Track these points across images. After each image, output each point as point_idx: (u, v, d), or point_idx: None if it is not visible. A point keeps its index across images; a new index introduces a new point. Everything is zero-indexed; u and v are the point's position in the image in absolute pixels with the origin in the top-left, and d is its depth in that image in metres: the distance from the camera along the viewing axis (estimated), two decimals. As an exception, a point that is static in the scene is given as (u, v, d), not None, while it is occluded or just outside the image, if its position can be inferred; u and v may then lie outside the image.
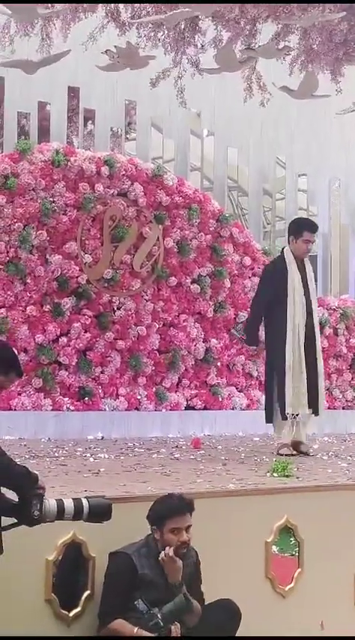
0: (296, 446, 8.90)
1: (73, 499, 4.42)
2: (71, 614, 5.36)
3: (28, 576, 5.19)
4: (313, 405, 8.92)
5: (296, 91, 9.04)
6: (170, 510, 5.34)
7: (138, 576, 5.21)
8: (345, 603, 6.56)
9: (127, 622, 5.14)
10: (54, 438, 10.05)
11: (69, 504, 4.37)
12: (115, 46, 8.61)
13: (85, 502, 4.41)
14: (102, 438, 10.42)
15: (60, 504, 4.35)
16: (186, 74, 9.49)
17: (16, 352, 4.67)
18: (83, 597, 5.43)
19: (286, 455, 8.56)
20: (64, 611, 5.34)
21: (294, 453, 8.76)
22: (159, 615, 5.16)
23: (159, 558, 5.23)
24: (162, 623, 5.15)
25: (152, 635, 5.12)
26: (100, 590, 5.36)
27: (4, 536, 4.45)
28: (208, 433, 11.40)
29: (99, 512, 4.46)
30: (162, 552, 5.23)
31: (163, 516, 5.32)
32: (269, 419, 9.09)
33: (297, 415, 8.84)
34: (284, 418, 8.84)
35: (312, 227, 9.27)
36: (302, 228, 9.15)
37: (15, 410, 10.29)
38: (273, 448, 9.09)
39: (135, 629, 5.12)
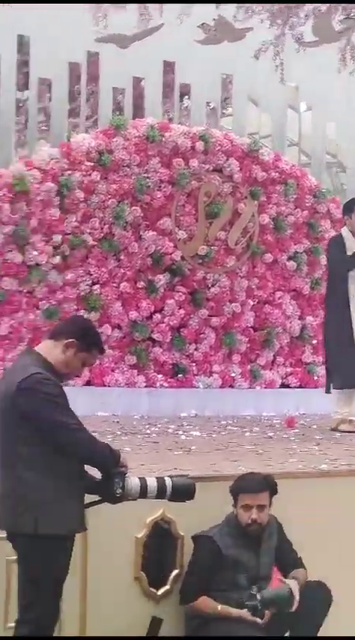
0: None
1: (156, 478, 4.37)
2: (160, 592, 5.34)
3: (118, 554, 5.18)
4: None
5: None
6: (244, 486, 5.27)
7: (224, 556, 5.15)
8: None
9: (211, 599, 5.08)
10: (147, 415, 10.03)
11: (152, 483, 4.31)
12: (214, 19, 8.48)
13: (168, 481, 4.35)
14: (196, 415, 10.36)
15: (143, 483, 4.29)
16: (289, 49, 9.30)
17: (96, 329, 4.63)
18: (172, 576, 5.41)
19: (345, 431, 8.50)
20: (152, 589, 5.32)
21: (353, 430, 8.63)
22: (258, 598, 5.07)
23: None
24: (259, 607, 5.07)
25: (236, 612, 5.05)
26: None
27: (91, 514, 4.42)
28: (303, 412, 11.23)
29: (183, 491, 4.39)
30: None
31: (237, 491, 5.28)
32: (328, 389, 9.05)
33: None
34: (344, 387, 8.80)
35: None
36: (353, 204, 9.22)
37: (108, 386, 10.30)
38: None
39: (219, 606, 5.07)
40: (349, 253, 8.94)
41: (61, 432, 4.09)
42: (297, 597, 5.17)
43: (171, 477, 4.42)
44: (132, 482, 4.27)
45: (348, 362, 8.70)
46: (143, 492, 4.29)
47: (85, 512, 4.29)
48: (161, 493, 4.33)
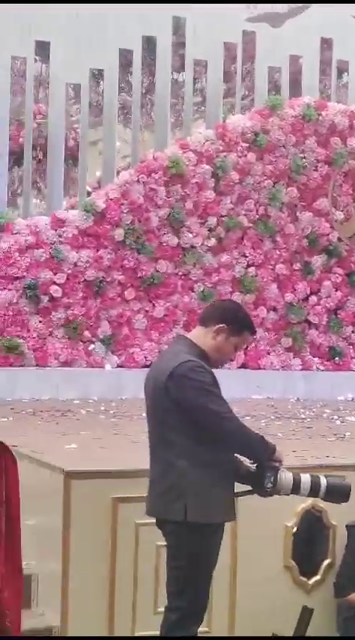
0: None
1: (310, 475, 4.26)
2: (311, 581, 5.25)
3: (268, 542, 5.11)
4: None
5: None
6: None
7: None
8: None
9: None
10: (302, 398, 9.92)
11: (306, 480, 4.21)
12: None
13: (323, 480, 4.23)
14: (352, 399, 10.19)
15: (296, 479, 4.20)
16: None
17: (246, 310, 4.50)
18: (323, 565, 5.30)
19: None
20: (303, 578, 5.24)
21: None
22: None
23: None
24: None
25: None
26: (340, 559, 5.21)
27: (240, 502, 4.37)
28: None
29: (338, 492, 4.26)
30: None
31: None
32: None
33: None
34: None
35: None
36: None
37: (264, 369, 10.25)
38: None
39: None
40: None
41: (212, 420, 4.05)
42: None
43: (326, 475, 4.31)
44: (285, 477, 4.18)
45: None
46: (295, 488, 4.19)
47: (235, 501, 4.24)
48: (314, 491, 4.22)
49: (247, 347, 9.99)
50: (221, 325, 4.17)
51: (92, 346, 9.65)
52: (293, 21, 8.81)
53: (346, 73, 11.91)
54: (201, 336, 4.20)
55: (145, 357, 9.69)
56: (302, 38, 11.43)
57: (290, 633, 5.02)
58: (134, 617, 4.80)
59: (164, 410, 4.09)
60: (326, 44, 11.72)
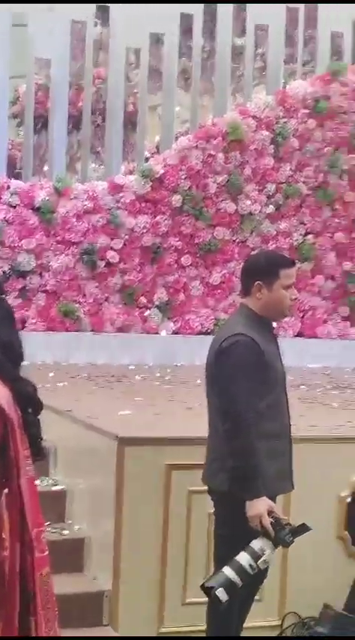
0: None
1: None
2: (364, 552, 5.22)
3: (320, 512, 5.07)
4: None
5: None
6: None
7: None
8: None
9: None
10: (359, 367, 9.84)
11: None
12: None
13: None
14: None
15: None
16: None
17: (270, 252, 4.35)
18: (378, 537, 5.27)
19: None
20: (356, 550, 5.21)
21: None
22: None
23: None
24: None
25: None
26: None
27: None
28: None
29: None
30: None
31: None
32: None
33: None
34: None
35: None
36: None
37: (321, 338, 10.17)
38: None
39: None
40: None
41: (227, 405, 3.94)
42: None
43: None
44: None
45: None
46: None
47: (287, 474, 4.19)
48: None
49: (304, 314, 9.94)
50: (256, 283, 4.10)
51: (148, 312, 9.65)
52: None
53: None
54: (251, 303, 4.15)
55: (201, 324, 9.66)
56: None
57: (342, 604, 5.02)
58: (185, 584, 4.82)
59: (213, 377, 4.07)
60: None
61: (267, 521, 3.80)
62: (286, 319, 9.48)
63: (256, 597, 4.29)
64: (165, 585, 4.83)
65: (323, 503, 5.10)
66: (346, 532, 5.19)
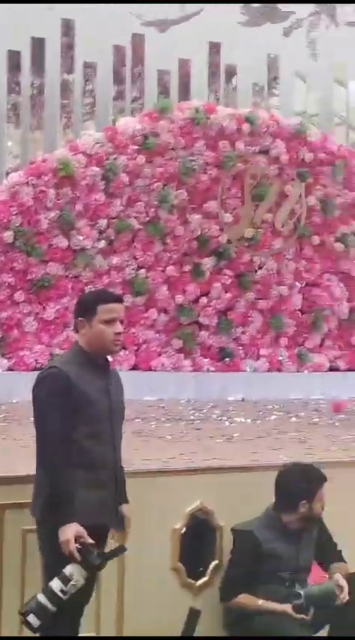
0: None
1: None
2: (198, 583, 5.31)
3: (155, 545, 5.15)
4: None
5: None
6: (320, 480, 5.21)
7: (264, 551, 5.10)
8: None
9: (252, 595, 5.05)
10: (193, 399, 10.00)
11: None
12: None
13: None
14: (243, 399, 10.31)
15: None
16: (322, 26, 9.11)
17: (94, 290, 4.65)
18: (211, 567, 5.37)
19: None
20: (190, 580, 5.30)
21: None
22: (302, 594, 5.02)
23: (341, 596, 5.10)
24: (304, 605, 5.00)
25: (280, 607, 5.01)
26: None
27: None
28: (352, 395, 11.13)
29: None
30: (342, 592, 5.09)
31: (315, 487, 5.19)
32: None
33: None
34: None
35: None
36: None
37: (155, 371, 10.30)
38: None
39: (260, 601, 5.02)
40: None
41: (37, 435, 4.18)
42: (346, 590, 5.11)
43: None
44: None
45: None
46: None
47: (112, 505, 4.23)
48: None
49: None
50: (79, 321, 4.28)
51: (-19, 349, 9.57)
52: (182, 26, 8.86)
53: (234, 77, 12.05)
54: (80, 339, 4.32)
55: (36, 360, 9.65)
56: (191, 42, 11.51)
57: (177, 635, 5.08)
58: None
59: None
60: (215, 48, 11.83)
61: (73, 546, 3.95)
62: (121, 353, 9.61)
63: (92, 630, 4.33)
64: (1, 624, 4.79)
65: (158, 536, 5.17)
66: (180, 564, 5.28)
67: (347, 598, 5.09)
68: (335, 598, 5.07)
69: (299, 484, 5.17)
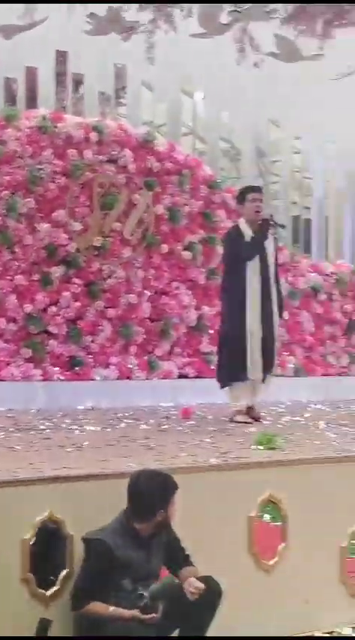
0: (248, 412, 8.94)
1: None
2: (48, 593, 5.29)
3: (4, 556, 5.11)
4: (268, 369, 9.03)
5: (281, 54, 8.85)
6: (174, 487, 5.29)
7: (116, 558, 5.14)
8: (330, 577, 6.48)
9: (103, 603, 5.08)
10: (44, 408, 9.95)
11: None
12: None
13: None
14: (93, 408, 10.33)
15: None
16: (179, 40, 9.20)
17: None
18: (61, 575, 5.36)
19: (241, 422, 8.69)
20: (41, 591, 5.27)
21: (249, 420, 8.77)
22: (146, 595, 5.09)
23: (191, 594, 5.15)
24: (149, 603, 5.08)
25: (128, 613, 5.06)
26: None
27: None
28: (200, 402, 11.30)
29: None
30: (192, 589, 5.15)
31: (170, 494, 5.27)
32: (225, 384, 9.05)
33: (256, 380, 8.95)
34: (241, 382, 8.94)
35: (253, 188, 9.45)
36: (243, 192, 9.26)
37: (4, 380, 10.20)
38: (261, 418, 9.09)
39: (111, 608, 5.06)
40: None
41: None
42: (201, 585, 5.18)
43: None
44: None
45: (242, 357, 8.75)
46: None
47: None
48: None
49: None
50: None
51: None
52: (28, 33, 8.83)
53: (81, 86, 12.08)
54: None
55: None
56: (38, 50, 11.47)
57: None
58: None
59: None
60: (62, 57, 11.83)
61: None
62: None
63: None
64: None
65: (7, 547, 5.13)
66: (30, 574, 5.25)
67: (196, 595, 5.17)
68: (178, 590, 5.16)
69: (156, 493, 5.23)
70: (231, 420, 8.87)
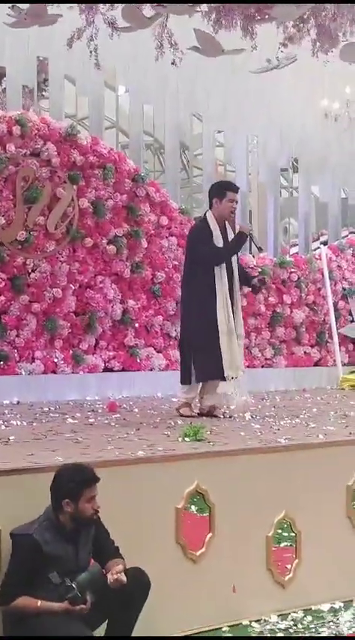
0: (210, 409, 8.93)
1: None
2: (-23, 589, 5.27)
3: None
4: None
5: (202, 49, 8.89)
6: (87, 480, 5.31)
7: (44, 553, 5.16)
8: (257, 567, 6.57)
9: (31, 597, 5.09)
10: (-32, 404, 9.89)
11: None
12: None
13: None
14: (18, 402, 10.28)
15: None
16: (102, 34, 9.20)
17: None
18: (-11, 573, 5.35)
19: (186, 415, 8.70)
20: (-32, 588, 5.25)
21: (194, 414, 8.79)
22: (74, 586, 5.12)
23: (109, 583, 5.18)
24: (78, 594, 5.11)
25: (58, 605, 5.09)
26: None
27: None
28: (126, 395, 11.35)
29: None
30: (111, 578, 5.20)
31: (81, 487, 5.28)
32: (187, 381, 8.98)
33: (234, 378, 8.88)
34: (200, 381, 8.90)
35: (234, 187, 9.28)
36: (225, 188, 9.12)
37: None
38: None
39: (39, 602, 5.08)
40: (216, 241, 8.83)
41: None
42: (124, 578, 5.23)
43: None
44: None
45: (212, 356, 8.72)
46: None
47: None
48: None
49: None
50: None
51: None
52: None
53: (3, 80, 11.99)
54: None
55: None
56: None
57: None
58: None
59: None
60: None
61: None
62: None
63: None
64: None
65: None
66: None
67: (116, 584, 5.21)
68: (105, 580, 5.20)
69: (65, 484, 5.27)
70: (178, 413, 8.83)
